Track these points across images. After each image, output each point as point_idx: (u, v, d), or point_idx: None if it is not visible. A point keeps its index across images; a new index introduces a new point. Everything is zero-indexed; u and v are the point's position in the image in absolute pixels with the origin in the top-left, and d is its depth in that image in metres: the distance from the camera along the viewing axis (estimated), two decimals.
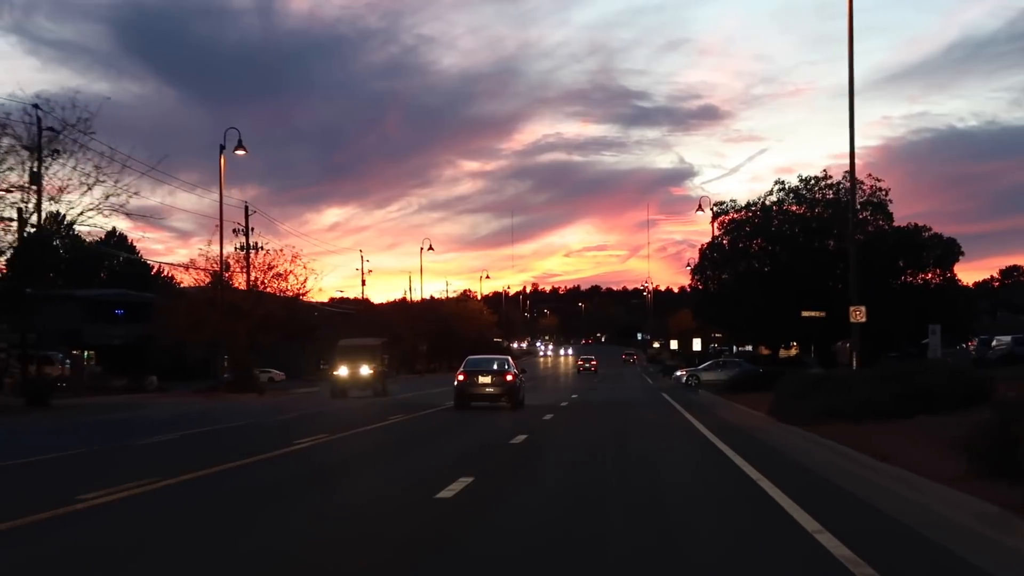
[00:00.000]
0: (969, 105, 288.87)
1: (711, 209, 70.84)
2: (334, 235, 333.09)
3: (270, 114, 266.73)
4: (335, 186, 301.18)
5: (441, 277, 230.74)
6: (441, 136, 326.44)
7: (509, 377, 34.30)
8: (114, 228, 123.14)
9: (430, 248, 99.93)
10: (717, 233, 66.35)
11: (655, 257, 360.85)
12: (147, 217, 51.38)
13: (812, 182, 64.74)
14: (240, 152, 49.52)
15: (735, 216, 65.43)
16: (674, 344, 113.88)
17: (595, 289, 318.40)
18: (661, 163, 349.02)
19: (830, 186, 64.18)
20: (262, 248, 71.88)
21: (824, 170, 65.06)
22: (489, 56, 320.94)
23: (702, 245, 67.09)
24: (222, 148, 49.43)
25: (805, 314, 49.64)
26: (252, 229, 72.80)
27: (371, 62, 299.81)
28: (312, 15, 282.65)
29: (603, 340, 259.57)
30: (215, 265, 57.22)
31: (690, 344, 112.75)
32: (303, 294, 56.61)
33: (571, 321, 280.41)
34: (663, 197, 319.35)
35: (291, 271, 54.41)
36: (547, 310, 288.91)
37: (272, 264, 54.07)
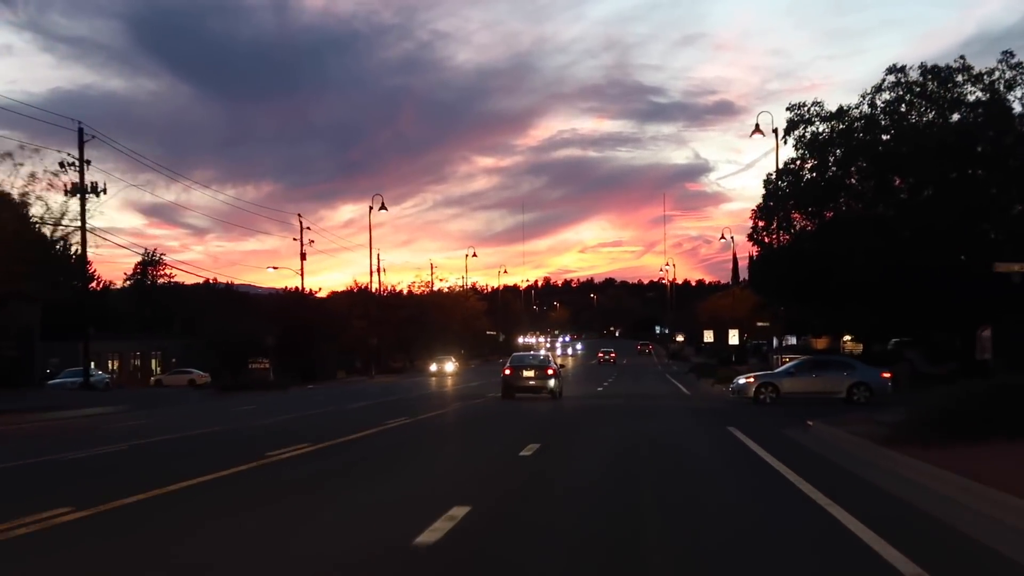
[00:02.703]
0: None
1: (774, 131, 46.93)
2: (349, 231, 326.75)
3: (285, 110, 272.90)
4: (350, 183, 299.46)
5: (456, 274, 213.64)
6: (456, 132, 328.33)
7: (550, 371, 37.41)
8: None
9: (382, 207, 75.57)
10: (792, 157, 42.20)
11: (671, 253, 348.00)
12: None
13: (944, 74, 40.48)
14: None
15: (820, 129, 41.29)
16: (708, 335, 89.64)
17: (609, 282, 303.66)
18: (676, 159, 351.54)
19: (975, 78, 39.95)
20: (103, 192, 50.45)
21: (961, 57, 40.49)
22: (504, 52, 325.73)
23: (768, 175, 42.96)
24: None
25: (1000, 268, 25.79)
26: (87, 161, 50.06)
27: (386, 58, 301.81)
28: (327, 11, 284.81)
29: (617, 335, 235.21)
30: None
31: (725, 336, 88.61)
32: None
33: (583, 315, 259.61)
34: (678, 193, 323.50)
35: None
36: (557, 303, 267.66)
37: None
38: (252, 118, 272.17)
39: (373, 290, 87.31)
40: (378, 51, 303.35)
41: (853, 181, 40.95)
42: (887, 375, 32.96)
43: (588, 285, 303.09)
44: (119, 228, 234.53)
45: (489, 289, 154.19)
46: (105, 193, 49.74)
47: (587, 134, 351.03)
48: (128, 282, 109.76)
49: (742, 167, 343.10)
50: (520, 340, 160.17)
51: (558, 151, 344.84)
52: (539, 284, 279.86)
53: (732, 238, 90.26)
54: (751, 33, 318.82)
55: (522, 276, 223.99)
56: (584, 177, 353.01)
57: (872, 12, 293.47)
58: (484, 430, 22.24)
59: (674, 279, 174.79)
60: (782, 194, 41.68)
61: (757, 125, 49.33)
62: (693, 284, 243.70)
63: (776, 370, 34.85)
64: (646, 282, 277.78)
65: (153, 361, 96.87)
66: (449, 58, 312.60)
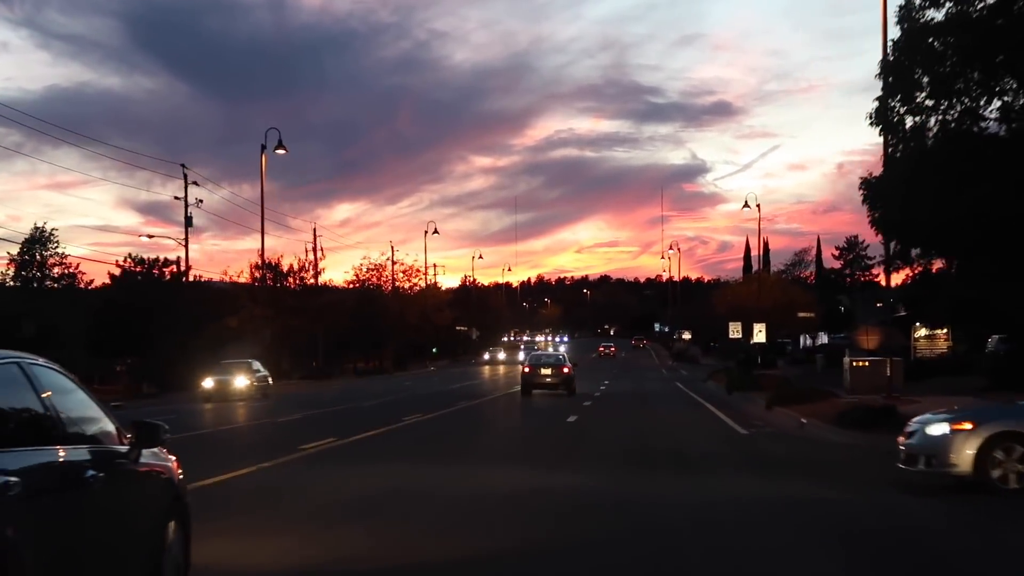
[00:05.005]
0: None
1: None
2: (345, 231, 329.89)
3: (281, 109, 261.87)
4: (346, 182, 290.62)
5: (456, 274, 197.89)
6: (453, 132, 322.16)
7: (566, 370, 40.26)
8: None
9: (278, 147, 54.57)
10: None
11: (668, 253, 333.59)
12: None
13: None
14: None
15: None
16: (735, 329, 68.60)
17: (604, 279, 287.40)
18: (674, 159, 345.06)
19: None
20: None
21: None
22: (501, 51, 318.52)
23: (901, 5, 21.85)
24: None
25: None
26: None
27: (383, 57, 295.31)
28: (324, 10, 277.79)
29: (612, 333, 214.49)
30: None
31: (750, 333, 67.75)
32: None
33: (576, 312, 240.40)
34: (676, 193, 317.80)
35: None
36: (548, 300, 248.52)
37: None
38: (249, 117, 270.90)
39: (285, 268, 66.07)
40: (375, 50, 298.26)
41: None
42: None
43: (582, 282, 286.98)
44: (113, 226, 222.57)
45: (480, 284, 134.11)
46: None
47: (584, 134, 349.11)
48: (11, 265, 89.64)
49: (739, 168, 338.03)
50: (517, 338, 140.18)
51: (555, 151, 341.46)
52: (531, 281, 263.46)
53: (758, 205, 69.37)
54: (749, 34, 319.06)
55: (503, 265, 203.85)
56: (581, 177, 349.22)
57: (870, 13, 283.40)
58: None
59: (673, 276, 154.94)
60: (937, 45, 20.61)
61: None
62: (693, 281, 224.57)
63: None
64: (643, 280, 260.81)
65: None
66: (446, 57, 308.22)
